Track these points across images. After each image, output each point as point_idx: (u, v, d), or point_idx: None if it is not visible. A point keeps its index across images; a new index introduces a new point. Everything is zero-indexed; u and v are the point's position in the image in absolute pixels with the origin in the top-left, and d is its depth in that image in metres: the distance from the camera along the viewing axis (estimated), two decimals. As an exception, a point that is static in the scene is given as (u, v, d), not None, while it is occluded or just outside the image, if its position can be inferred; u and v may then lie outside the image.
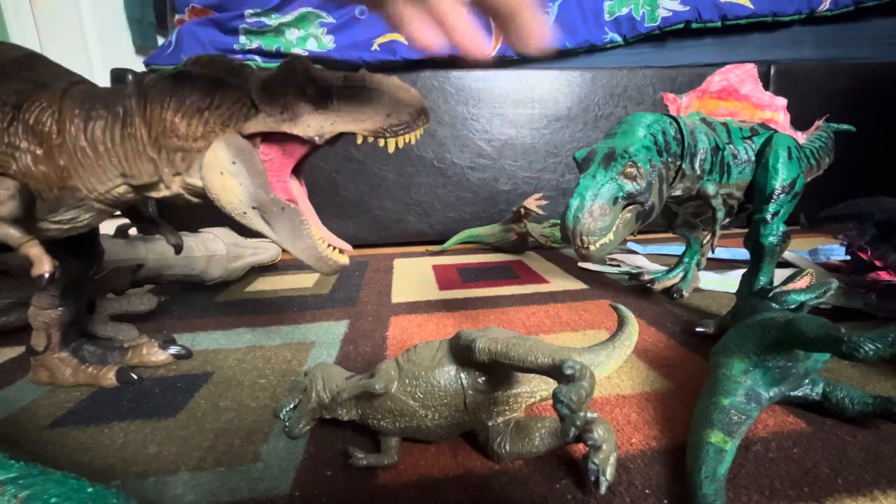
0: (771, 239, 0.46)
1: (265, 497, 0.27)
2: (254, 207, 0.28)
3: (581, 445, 0.29)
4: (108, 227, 0.67)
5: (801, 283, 0.41)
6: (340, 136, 0.27)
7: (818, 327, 0.27)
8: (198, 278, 0.71)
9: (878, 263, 0.47)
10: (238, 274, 0.76)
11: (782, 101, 0.55)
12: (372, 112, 0.26)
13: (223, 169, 0.27)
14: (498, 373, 0.30)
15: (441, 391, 0.29)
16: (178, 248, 0.42)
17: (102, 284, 0.54)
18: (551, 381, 0.31)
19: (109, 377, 0.41)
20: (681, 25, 1.01)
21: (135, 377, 0.42)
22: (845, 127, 0.60)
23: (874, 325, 0.48)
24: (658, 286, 0.62)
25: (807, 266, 0.68)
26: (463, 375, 0.29)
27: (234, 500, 0.27)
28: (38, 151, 0.28)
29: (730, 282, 0.64)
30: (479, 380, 0.29)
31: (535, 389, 0.31)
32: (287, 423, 0.32)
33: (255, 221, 0.29)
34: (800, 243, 0.91)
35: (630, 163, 0.35)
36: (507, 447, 0.28)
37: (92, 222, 0.33)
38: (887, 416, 0.30)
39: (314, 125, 0.26)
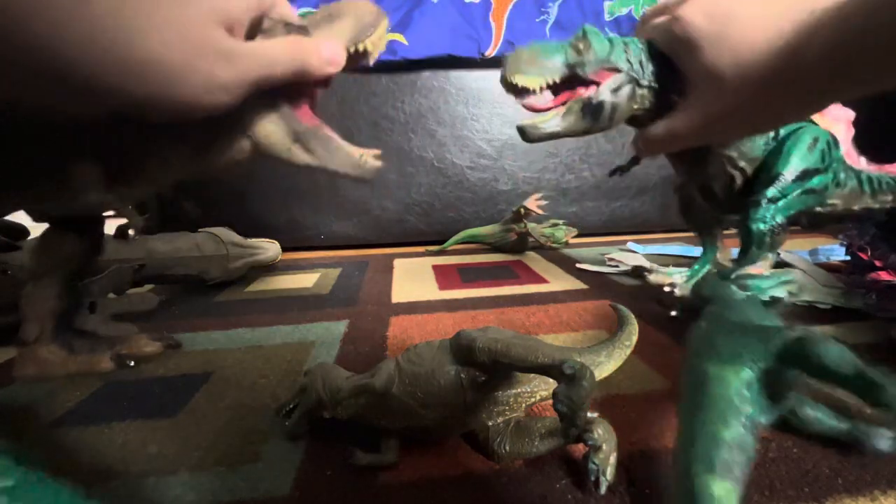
0: (760, 225, 0.41)
1: (265, 497, 0.27)
2: (294, 141, 0.32)
3: (581, 445, 0.29)
4: (108, 228, 0.67)
5: (758, 268, 0.38)
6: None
7: (847, 363, 0.22)
8: (198, 278, 0.71)
9: (878, 263, 0.46)
10: (238, 274, 0.76)
11: (846, 113, 0.48)
12: (341, 29, 0.30)
13: (261, 120, 0.31)
14: (498, 373, 0.30)
15: (441, 391, 0.29)
16: (195, 216, 0.43)
17: (103, 284, 0.54)
18: (551, 381, 0.31)
19: (105, 362, 0.42)
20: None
21: (131, 362, 0.43)
22: None
23: (874, 326, 0.48)
24: (654, 279, 0.59)
25: (806, 267, 0.68)
26: (463, 375, 0.29)
27: (234, 500, 0.27)
28: None
29: (730, 282, 0.64)
30: (480, 380, 0.29)
31: (535, 389, 0.31)
32: (287, 423, 0.32)
33: (297, 154, 0.32)
34: (800, 243, 0.91)
35: (583, 39, 0.33)
36: (508, 447, 0.28)
37: (137, 197, 0.37)
38: (856, 444, 0.28)
39: None
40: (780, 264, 0.73)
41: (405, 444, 0.31)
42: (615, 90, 0.34)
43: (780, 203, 0.42)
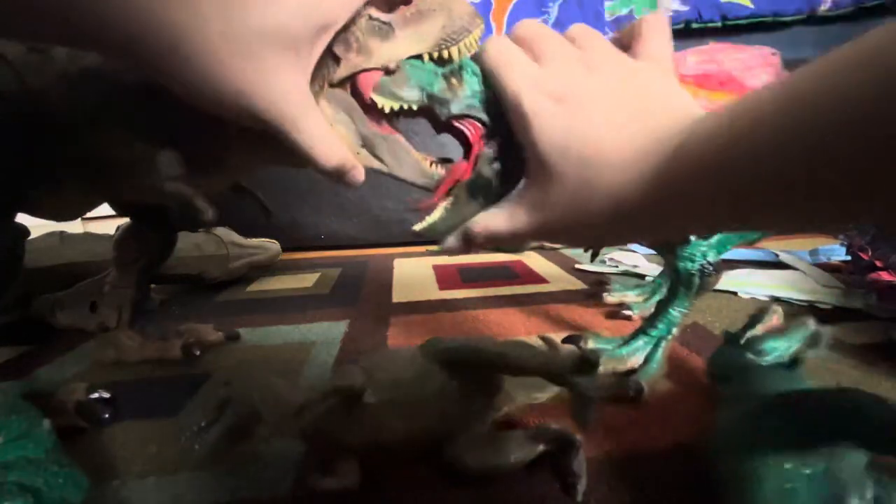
0: (688, 265, 0.36)
1: (265, 497, 0.27)
2: (362, 145, 0.31)
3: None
4: (108, 227, 0.67)
5: (773, 321, 0.34)
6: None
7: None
8: (198, 278, 0.71)
9: (878, 264, 0.46)
10: (238, 274, 0.76)
11: None
12: (429, 30, 0.29)
13: (332, 121, 0.30)
14: (478, 380, 0.28)
15: (424, 400, 0.27)
16: (270, 210, 0.45)
17: (104, 285, 0.54)
18: (515, 394, 0.31)
19: (175, 350, 0.45)
20: (681, 25, 1.01)
21: (198, 351, 0.46)
22: None
23: (874, 326, 0.48)
24: (612, 299, 0.57)
25: (806, 267, 0.68)
26: (442, 383, 0.27)
27: (233, 499, 0.27)
28: None
29: (730, 281, 0.64)
30: (458, 388, 0.28)
31: (500, 403, 0.30)
32: (197, 447, 0.26)
33: (364, 158, 0.32)
34: (800, 243, 0.91)
35: (458, 75, 0.28)
36: (480, 461, 0.27)
37: (220, 187, 0.37)
38: None
39: (384, 55, 0.29)
40: (779, 265, 0.73)
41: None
42: (494, 160, 0.29)
43: (712, 239, 0.37)
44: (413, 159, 0.31)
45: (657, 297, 0.54)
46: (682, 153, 0.17)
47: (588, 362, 0.24)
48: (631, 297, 0.57)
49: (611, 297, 0.57)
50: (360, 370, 0.27)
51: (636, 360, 0.38)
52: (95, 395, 0.36)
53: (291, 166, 0.36)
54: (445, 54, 0.29)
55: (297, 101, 0.25)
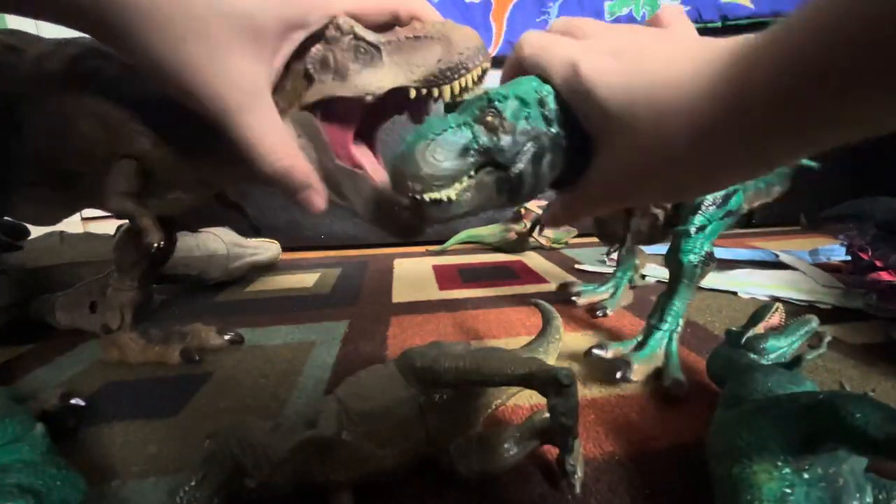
0: (691, 257, 0.39)
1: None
2: (323, 178, 0.28)
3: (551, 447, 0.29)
4: (108, 227, 0.67)
5: (775, 319, 0.34)
6: (406, 97, 0.25)
7: (886, 422, 0.18)
8: (198, 278, 0.71)
9: (878, 264, 0.47)
10: (238, 274, 0.76)
11: None
12: (422, 60, 0.24)
13: None
14: (459, 391, 0.28)
15: (401, 424, 0.26)
16: (257, 224, 0.46)
17: (104, 284, 0.54)
18: (508, 388, 0.30)
19: (175, 356, 0.45)
20: (681, 25, 1.01)
21: (196, 357, 0.45)
22: (808, 164, 0.49)
23: (874, 326, 0.48)
24: (583, 301, 0.59)
25: (806, 267, 0.68)
26: (422, 401, 0.27)
27: (234, 500, 0.27)
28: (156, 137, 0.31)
29: (730, 281, 0.64)
30: (439, 402, 0.27)
31: (490, 400, 0.30)
32: None
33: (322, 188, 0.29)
34: (800, 243, 0.91)
35: (490, 109, 0.22)
36: (476, 466, 0.26)
37: (191, 203, 0.36)
38: None
39: (361, 84, 0.25)
40: (780, 265, 0.73)
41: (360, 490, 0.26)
42: (537, 158, 0.22)
43: (707, 230, 0.40)
44: (379, 198, 0.27)
45: (622, 290, 0.58)
46: (755, 45, 0.15)
47: (559, 384, 0.23)
48: (600, 295, 0.59)
49: (581, 300, 0.59)
50: (336, 404, 0.26)
51: (660, 357, 0.39)
52: (71, 402, 0.35)
53: (245, 180, 0.33)
54: (435, 92, 0.24)
55: (246, 92, 0.23)
